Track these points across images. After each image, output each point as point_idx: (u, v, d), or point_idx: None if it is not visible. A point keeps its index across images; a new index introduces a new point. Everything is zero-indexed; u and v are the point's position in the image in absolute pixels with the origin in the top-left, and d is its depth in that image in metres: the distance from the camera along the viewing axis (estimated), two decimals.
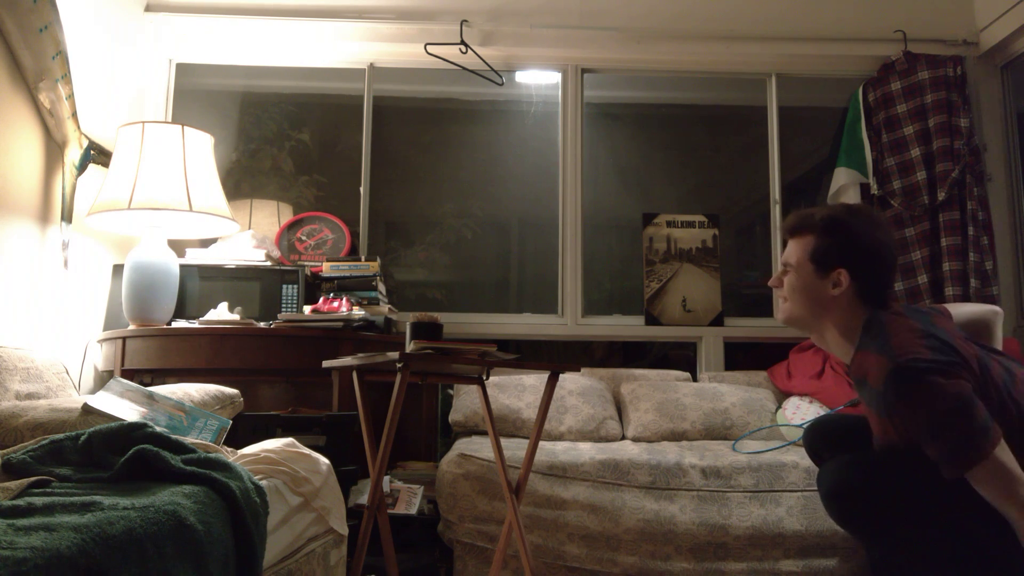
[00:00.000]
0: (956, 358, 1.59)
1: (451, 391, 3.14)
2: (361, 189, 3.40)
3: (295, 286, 2.84)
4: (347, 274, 2.96)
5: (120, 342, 2.58)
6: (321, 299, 2.82)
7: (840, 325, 1.80)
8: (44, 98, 2.42)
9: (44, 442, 1.38)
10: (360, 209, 3.39)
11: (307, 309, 2.79)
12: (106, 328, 2.81)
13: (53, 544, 0.87)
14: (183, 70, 3.46)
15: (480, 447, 2.42)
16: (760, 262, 3.60)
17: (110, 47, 2.94)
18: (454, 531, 2.29)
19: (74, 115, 2.54)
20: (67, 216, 2.55)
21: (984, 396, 1.59)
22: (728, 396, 2.93)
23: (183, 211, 2.52)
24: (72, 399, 1.94)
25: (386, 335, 2.82)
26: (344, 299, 2.79)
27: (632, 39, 3.41)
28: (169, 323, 2.65)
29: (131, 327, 2.60)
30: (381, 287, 3.00)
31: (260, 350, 2.55)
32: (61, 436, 1.40)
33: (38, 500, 1.04)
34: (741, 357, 3.60)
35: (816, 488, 2.21)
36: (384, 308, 2.96)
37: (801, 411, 2.86)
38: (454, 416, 2.88)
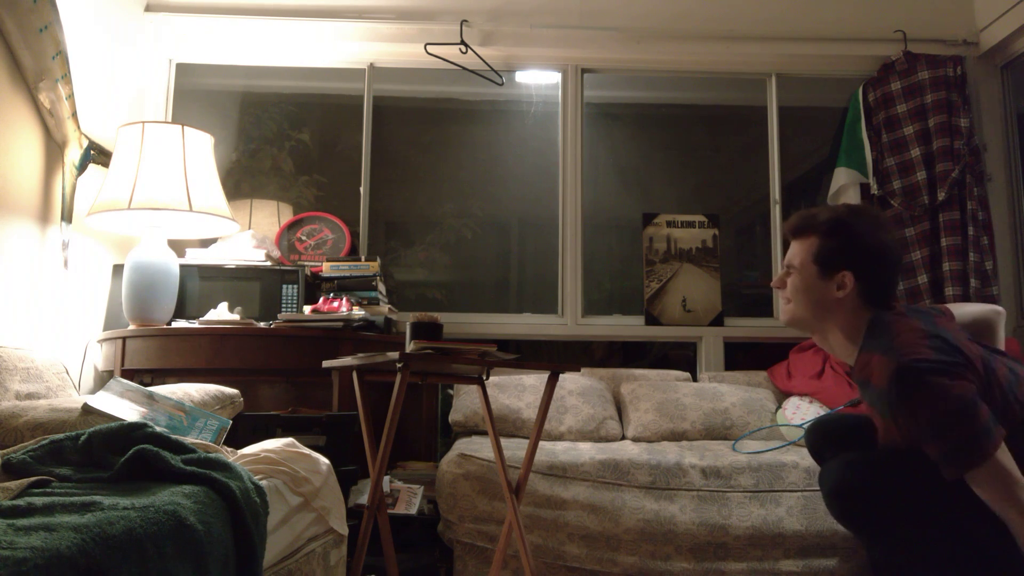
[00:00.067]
0: (960, 359, 1.58)
1: (451, 391, 3.14)
2: (361, 189, 3.40)
3: (295, 286, 2.84)
4: (347, 274, 2.96)
5: (120, 342, 2.58)
6: (321, 299, 2.82)
7: (844, 327, 1.79)
8: (44, 98, 2.42)
9: (44, 442, 1.38)
10: (360, 209, 3.39)
11: (307, 309, 2.79)
12: (106, 328, 2.81)
13: (53, 544, 0.87)
14: (183, 70, 3.46)
15: (480, 447, 2.42)
16: (760, 262, 3.60)
17: (110, 47, 2.94)
18: (454, 531, 2.29)
19: (74, 115, 2.54)
20: (67, 216, 2.55)
21: (988, 397, 1.58)
22: (728, 396, 2.93)
23: (183, 211, 2.52)
24: (72, 399, 1.94)
25: (386, 335, 2.82)
26: (344, 299, 2.79)
27: (632, 39, 3.41)
28: (169, 323, 2.65)
29: (131, 327, 2.60)
30: (381, 287, 3.00)
31: (260, 350, 2.55)
32: (61, 436, 1.40)
33: (38, 500, 1.04)
34: (741, 357, 3.59)
35: (816, 488, 2.22)
36: (384, 308, 2.96)
37: (801, 411, 2.86)
38: (454, 416, 2.88)
